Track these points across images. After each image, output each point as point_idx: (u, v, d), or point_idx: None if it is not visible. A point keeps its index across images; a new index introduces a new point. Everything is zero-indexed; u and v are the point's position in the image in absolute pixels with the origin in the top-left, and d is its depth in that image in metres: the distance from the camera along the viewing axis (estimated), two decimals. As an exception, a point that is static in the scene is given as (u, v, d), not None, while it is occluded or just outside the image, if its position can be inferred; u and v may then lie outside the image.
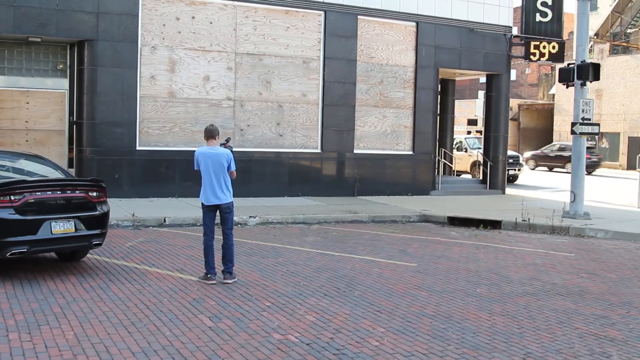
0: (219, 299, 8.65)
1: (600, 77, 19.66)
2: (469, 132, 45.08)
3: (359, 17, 21.50)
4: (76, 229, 9.67)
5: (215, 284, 9.50)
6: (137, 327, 7.31)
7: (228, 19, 19.72)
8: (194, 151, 10.03)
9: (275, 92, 20.51)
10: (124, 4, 18.30)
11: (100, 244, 10.24)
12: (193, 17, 19.27)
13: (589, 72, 18.51)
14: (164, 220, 15.29)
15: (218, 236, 9.90)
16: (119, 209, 15.79)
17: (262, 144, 20.28)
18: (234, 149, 10.26)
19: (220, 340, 7.00)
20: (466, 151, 32.43)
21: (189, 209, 16.78)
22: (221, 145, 9.99)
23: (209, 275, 9.63)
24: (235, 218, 15.44)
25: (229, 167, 9.75)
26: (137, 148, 18.71)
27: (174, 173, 19.03)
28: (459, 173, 31.21)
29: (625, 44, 53.61)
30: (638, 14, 53.17)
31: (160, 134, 19.04)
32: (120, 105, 18.42)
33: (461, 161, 31.53)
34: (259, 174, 20.08)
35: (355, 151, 21.73)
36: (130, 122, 18.55)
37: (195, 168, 9.93)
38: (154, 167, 18.91)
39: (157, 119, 18.98)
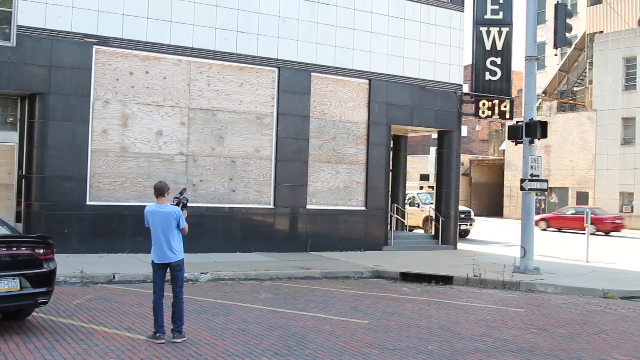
0: (167, 359, 8.49)
1: (549, 133, 20.15)
2: (421, 188, 45.52)
3: (312, 74, 21.76)
4: (21, 287, 9.45)
5: (164, 343, 9.33)
6: (82, 389, 7.12)
7: (182, 74, 19.78)
8: (145, 207, 9.93)
9: (229, 148, 20.53)
10: (77, 58, 18.26)
11: (46, 302, 10.00)
12: (147, 72, 19.29)
13: (537, 129, 18.93)
14: (114, 277, 15.04)
15: (168, 293, 9.75)
16: (67, 264, 15.51)
17: (214, 199, 20.20)
18: (188, 199, 10.14)
19: (167, 402, 6.85)
20: (418, 206, 32.70)
21: (139, 265, 16.55)
22: (175, 198, 9.90)
23: (157, 334, 9.46)
24: (186, 274, 15.28)
25: (178, 225, 9.63)
26: (88, 203, 18.48)
27: (124, 228, 18.79)
28: (412, 228, 31.41)
29: (572, 102, 55.07)
30: (583, 74, 54.77)
31: (112, 189, 18.85)
32: (71, 159, 18.23)
33: (413, 216, 31.76)
34: (211, 229, 19.95)
35: (308, 207, 21.76)
36: (80, 177, 18.35)
37: (145, 225, 9.82)
38: (105, 222, 18.66)
39: (108, 173, 18.81)
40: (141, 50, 19.13)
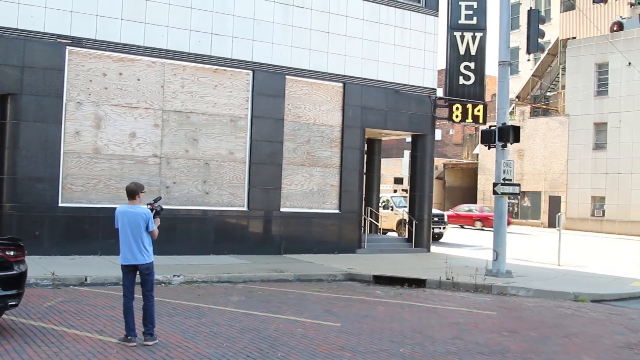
0: (139, 362, 8.46)
1: (522, 138, 20.30)
2: (395, 191, 45.71)
3: (287, 76, 21.77)
4: (-9, 290, 9.36)
5: (135, 346, 9.29)
6: (52, 393, 7.07)
7: (156, 76, 19.71)
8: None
9: (202, 150, 20.48)
10: (50, 59, 18.12)
11: (16, 305, 9.90)
12: (120, 74, 19.20)
13: (510, 134, 19.09)
14: (85, 279, 14.93)
15: (139, 296, 9.71)
16: (38, 267, 15.37)
17: (188, 201, 20.14)
18: (162, 208, 10.05)
19: (138, 405, 6.83)
20: (392, 209, 32.80)
21: (111, 267, 16.44)
22: (148, 204, 9.83)
23: (129, 337, 9.41)
24: (158, 277, 15.25)
25: (148, 227, 9.56)
26: (60, 204, 18.33)
27: (97, 230, 18.66)
28: (385, 231, 31.49)
29: (545, 107, 55.57)
30: (556, 79, 55.31)
31: (84, 191, 18.72)
32: (43, 160, 18.08)
33: (387, 219, 31.85)
34: (185, 231, 19.88)
35: (282, 209, 21.76)
36: (52, 178, 18.20)
37: (115, 226, 9.75)
38: (77, 224, 18.52)
39: (81, 175, 18.68)
40: (115, 51, 19.03)
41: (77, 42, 18.49)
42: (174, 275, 15.78)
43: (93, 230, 18.65)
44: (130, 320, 9.49)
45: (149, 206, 9.82)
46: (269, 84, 21.42)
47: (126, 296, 9.58)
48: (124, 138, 19.27)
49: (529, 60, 53.84)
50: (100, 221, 18.59)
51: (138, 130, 19.47)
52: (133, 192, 9.70)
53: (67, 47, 18.39)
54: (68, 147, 18.52)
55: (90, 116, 18.82)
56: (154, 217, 9.75)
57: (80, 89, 18.67)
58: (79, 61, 18.64)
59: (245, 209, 21.19)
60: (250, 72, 21.17)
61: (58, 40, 18.24)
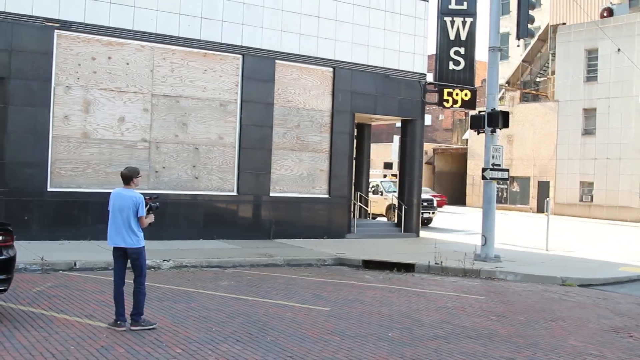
0: (129, 347, 8.48)
1: (511, 123, 20.36)
2: (384, 176, 45.72)
3: (276, 61, 21.72)
4: (-20, 274, 9.35)
5: (125, 330, 9.31)
6: (41, 377, 7.09)
7: (145, 60, 19.63)
8: (108, 193, 9.87)
9: (192, 135, 20.44)
10: (38, 42, 18.02)
11: (5, 290, 9.89)
12: (109, 58, 19.11)
13: (499, 119, 19.13)
14: (75, 264, 14.92)
15: (130, 281, 9.72)
16: (27, 251, 15.35)
17: (177, 186, 20.12)
18: (158, 206, 10.01)
19: (128, 389, 6.86)
20: (382, 194, 32.87)
21: (101, 252, 16.44)
22: (146, 196, 9.81)
23: (118, 322, 9.43)
24: (148, 262, 15.18)
25: (137, 212, 9.55)
26: (49, 189, 18.29)
27: (86, 215, 18.64)
28: (375, 216, 31.57)
29: (534, 92, 55.68)
30: (546, 65, 55.39)
31: (73, 175, 18.68)
32: (32, 145, 18.02)
33: (377, 204, 31.92)
34: (174, 216, 19.86)
35: (271, 194, 21.78)
36: (41, 163, 18.14)
37: (108, 208, 9.73)
38: (66, 208, 18.49)
39: (69, 159, 18.62)
40: (104, 35, 18.94)
41: (66, 25, 18.39)
42: (164, 260, 15.79)
43: (82, 215, 18.63)
44: (120, 305, 9.51)
45: (147, 199, 9.76)
46: (258, 68, 21.37)
47: (115, 281, 9.62)
48: (113, 122, 19.21)
49: (518, 45, 53.87)
50: (89, 206, 18.56)
51: (127, 115, 19.41)
52: (127, 178, 9.70)
53: (56, 30, 18.29)
54: (57, 131, 18.45)
55: (79, 100, 18.74)
56: (148, 213, 9.70)
57: (69, 73, 18.59)
58: (67, 45, 18.54)
59: (234, 193, 21.19)
60: (240, 56, 21.11)
61: (46, 23, 18.13)
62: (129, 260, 9.75)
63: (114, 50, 19.18)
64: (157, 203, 10.02)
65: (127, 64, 19.39)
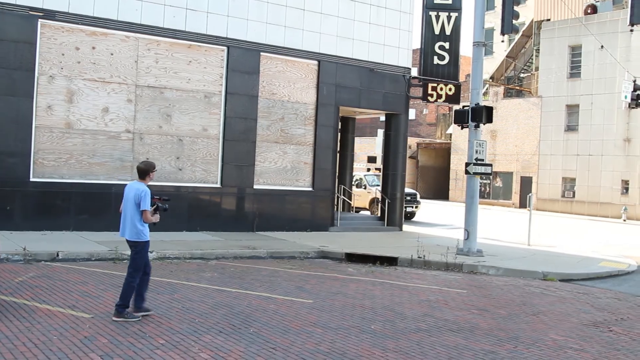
0: (112, 337, 8.47)
1: (495, 118, 20.45)
2: (368, 170, 45.83)
3: (261, 53, 21.70)
4: (-38, 264, 9.30)
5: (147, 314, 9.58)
6: (23, 367, 7.08)
7: (129, 50, 19.54)
8: (92, 184, 9.86)
9: (176, 126, 20.39)
10: (21, 32, 17.90)
11: (-13, 279, 9.86)
12: (93, 48, 19.01)
13: (483, 114, 19.21)
14: (57, 255, 14.85)
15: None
16: (9, 242, 15.27)
17: (161, 177, 20.04)
18: (167, 208, 9.95)
19: (111, 379, 6.85)
20: (365, 188, 32.95)
21: (83, 243, 16.39)
22: (156, 197, 9.79)
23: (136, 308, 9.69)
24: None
25: (139, 205, 9.53)
26: (31, 179, 18.19)
27: (69, 206, 18.56)
28: (358, 210, 31.64)
29: (518, 88, 55.92)
30: (530, 60, 55.63)
31: (56, 166, 18.58)
32: (14, 134, 17.90)
33: (360, 198, 31.99)
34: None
35: (255, 186, 21.78)
36: (24, 153, 18.04)
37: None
38: (48, 199, 18.40)
39: (52, 150, 18.53)
40: (88, 25, 18.84)
41: (50, 14, 18.27)
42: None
43: (65, 206, 18.54)
44: (135, 291, 9.68)
45: (153, 200, 9.73)
46: (243, 60, 21.34)
47: None
48: (96, 113, 19.12)
49: (503, 41, 54.27)
50: (72, 196, 18.48)
51: (111, 105, 19.33)
52: (143, 172, 9.75)
53: (39, 19, 18.17)
54: (40, 121, 18.34)
55: (63, 90, 18.64)
56: (154, 212, 9.69)
57: (52, 62, 18.48)
58: (51, 34, 18.43)
59: (218, 185, 21.17)
60: (225, 48, 21.07)
61: (30, 12, 18.01)
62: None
63: (98, 40, 19.08)
64: (167, 205, 9.95)
65: (112, 54, 19.30)
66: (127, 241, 9.72)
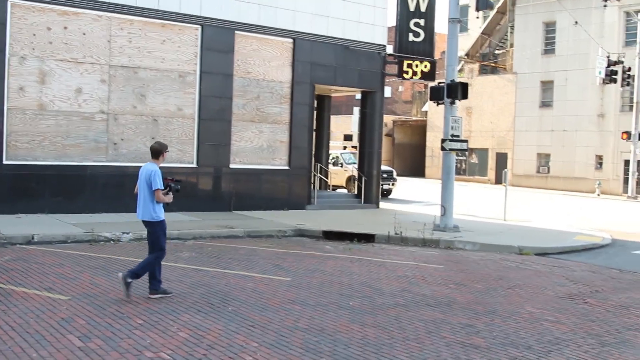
0: (89, 318, 8.44)
1: (470, 95, 20.51)
2: (344, 148, 45.85)
3: (236, 32, 21.55)
4: None
5: (161, 297, 9.70)
6: (0, 350, 7.03)
7: (102, 30, 19.32)
8: (66, 166, 9.82)
9: (151, 106, 20.23)
10: (-10, 12, 17.63)
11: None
12: (65, 28, 18.77)
13: (458, 91, 19.26)
14: (33, 238, 14.73)
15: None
16: (-17, 225, 15.14)
17: (136, 158, 19.89)
18: (179, 189, 10.08)
19: None
20: (342, 166, 32.97)
21: (59, 225, 16.28)
22: (166, 179, 9.85)
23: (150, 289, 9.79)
24: (107, 234, 15.24)
25: (151, 185, 9.61)
26: (4, 162, 17.97)
27: (43, 188, 18.38)
28: (335, 188, 31.69)
29: (493, 65, 56.04)
30: (505, 37, 55.72)
31: (29, 148, 18.37)
32: (-14, 117, 17.68)
33: (337, 176, 32.03)
34: (133, 189, 19.61)
35: (231, 166, 21.71)
36: (-4, 135, 17.83)
37: None
38: (22, 182, 18.21)
39: (25, 132, 18.32)
40: (59, 4, 18.58)
41: (20, -6, 18.01)
42: (123, 233, 15.69)
43: (39, 188, 18.37)
44: (150, 273, 9.77)
45: (166, 181, 9.81)
46: (217, 39, 21.18)
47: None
48: (69, 94, 18.92)
49: (478, 17, 54.20)
50: (46, 179, 18.31)
51: (84, 86, 19.13)
52: (157, 152, 9.90)
53: (9, -1, 17.91)
54: (12, 103, 18.11)
55: (35, 71, 18.41)
56: (167, 193, 9.80)
57: (23, 43, 18.22)
58: (21, 14, 18.16)
59: (194, 165, 21.08)
60: (199, 27, 20.89)
61: (-1, -8, 17.73)
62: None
63: (69, 20, 18.83)
64: (179, 186, 10.05)
65: (84, 34, 19.07)
66: (143, 222, 9.85)
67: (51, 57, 18.60)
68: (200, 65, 20.98)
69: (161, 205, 9.82)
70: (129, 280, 9.56)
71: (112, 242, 15.05)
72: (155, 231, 9.83)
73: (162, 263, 10.06)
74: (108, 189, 19.20)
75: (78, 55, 18.99)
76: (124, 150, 19.78)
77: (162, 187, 9.68)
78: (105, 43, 19.39)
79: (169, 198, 9.82)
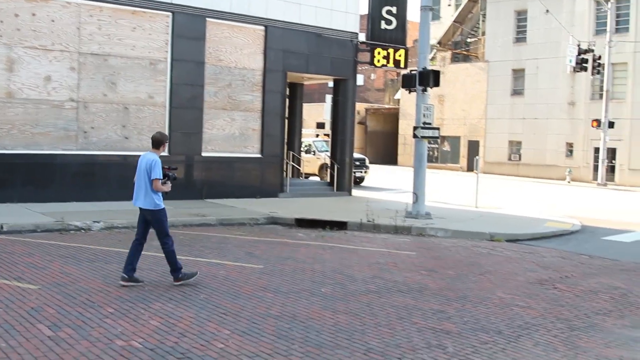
0: (59, 307, 8.37)
1: (442, 83, 20.58)
2: (317, 135, 45.80)
3: (207, 19, 21.40)
4: None
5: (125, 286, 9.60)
6: (-32, 339, 6.96)
7: (71, 17, 19.08)
8: (35, 154, 9.75)
9: (121, 94, 20.05)
10: (-44, -1, 17.34)
11: None
12: (33, 14, 18.51)
13: (430, 78, 19.33)
14: (2, 227, 14.54)
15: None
16: (-49, 214, 14.94)
17: (107, 146, 19.74)
18: (175, 177, 10.16)
19: (60, 349, 6.77)
20: (314, 154, 32.96)
21: (28, 214, 16.11)
22: (165, 167, 9.90)
23: (122, 275, 9.75)
24: (77, 223, 15.11)
25: (150, 174, 9.68)
26: (-28, 150, 17.76)
27: (12, 177, 18.14)
28: (308, 175, 31.69)
29: (465, 53, 56.28)
30: (477, 25, 55.96)
31: (-2, 136, 18.15)
32: (-47, 105, 17.42)
33: (310, 164, 32.02)
34: (104, 177, 19.52)
35: (203, 154, 21.61)
36: (-36, 123, 17.58)
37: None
38: (-9, 170, 17.99)
39: (-6, 120, 18.09)
40: (27, -9, 18.33)
41: (-14, -20, 17.73)
42: (94, 222, 15.56)
43: (8, 177, 18.13)
44: (128, 259, 9.82)
45: (165, 168, 9.88)
46: (189, 26, 21.03)
47: (135, 237, 10.09)
48: (38, 82, 18.68)
49: (449, 5, 54.40)
50: (15, 168, 18.09)
51: (53, 74, 18.90)
52: (158, 142, 9.94)
53: (-24, -15, 17.62)
54: (-21, 90, 17.87)
55: (2, 59, 18.14)
56: (165, 182, 9.85)
57: (-10, 30, 17.97)
58: (-12, 1, 17.89)
59: (166, 154, 20.85)
60: (170, 14, 20.72)
61: (-34, -22, 17.44)
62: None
63: (38, 6, 18.58)
64: (175, 174, 10.14)
65: (53, 21, 18.82)
66: (144, 210, 9.90)
67: (19, 44, 18.35)
68: (171, 52, 20.81)
69: (160, 193, 9.88)
70: (180, 275, 9.88)
71: (82, 231, 14.92)
72: (159, 218, 9.95)
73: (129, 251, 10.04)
74: (78, 177, 19.03)
75: (47, 43, 18.75)
76: (94, 139, 19.60)
77: (161, 177, 9.74)
78: (75, 30, 19.17)
79: (167, 187, 9.92)
